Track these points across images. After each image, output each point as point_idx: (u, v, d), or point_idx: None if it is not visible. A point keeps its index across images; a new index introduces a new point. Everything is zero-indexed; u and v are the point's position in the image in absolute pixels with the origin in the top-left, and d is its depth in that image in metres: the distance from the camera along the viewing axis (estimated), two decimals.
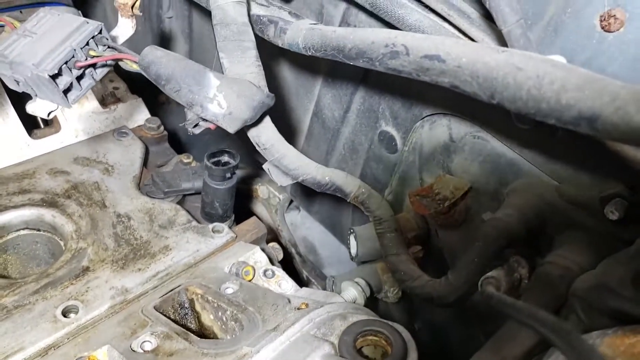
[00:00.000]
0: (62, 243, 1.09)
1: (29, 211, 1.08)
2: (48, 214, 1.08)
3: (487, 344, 0.67)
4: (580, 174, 0.76)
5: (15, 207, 1.07)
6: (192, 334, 0.87)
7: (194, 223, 1.13)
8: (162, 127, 1.35)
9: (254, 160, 1.62)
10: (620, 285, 0.60)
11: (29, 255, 1.12)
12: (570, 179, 0.77)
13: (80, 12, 1.27)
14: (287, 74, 1.17)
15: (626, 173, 0.70)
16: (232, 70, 0.76)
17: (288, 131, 1.14)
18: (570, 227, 0.77)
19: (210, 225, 1.12)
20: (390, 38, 0.63)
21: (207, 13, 1.36)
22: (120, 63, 0.80)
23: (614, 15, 0.66)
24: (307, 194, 1.42)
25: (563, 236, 0.77)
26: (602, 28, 0.67)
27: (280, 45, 0.80)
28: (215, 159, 1.11)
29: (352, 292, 1.01)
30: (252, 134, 0.81)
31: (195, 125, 0.77)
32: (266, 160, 0.86)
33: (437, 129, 0.92)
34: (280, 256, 1.24)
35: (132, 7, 0.90)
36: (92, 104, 1.31)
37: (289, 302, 0.90)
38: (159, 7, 1.39)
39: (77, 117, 1.27)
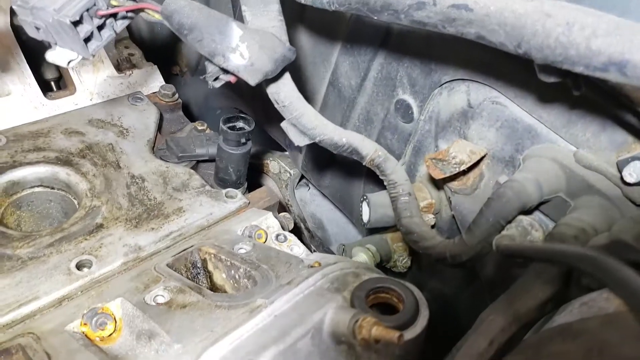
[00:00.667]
0: (75, 201, 1.10)
1: (44, 168, 1.09)
2: (62, 172, 1.09)
3: (500, 298, 0.67)
4: (598, 138, 0.76)
5: (30, 163, 1.08)
6: (205, 289, 0.87)
7: (208, 187, 1.14)
8: (176, 95, 1.36)
9: (266, 137, 1.62)
10: (637, 241, 0.60)
11: (42, 213, 1.13)
12: (588, 144, 0.77)
13: None
14: (304, 41, 1.16)
15: None
16: (254, 22, 0.76)
17: None
18: (587, 191, 0.77)
19: (224, 191, 1.13)
20: None
21: None
22: (141, 14, 0.80)
23: None
24: (318, 168, 1.42)
25: (579, 201, 0.77)
26: None
27: (303, 2, 0.80)
28: (231, 124, 1.11)
29: (363, 257, 1.02)
30: (272, 90, 0.81)
31: (216, 79, 0.77)
32: (283, 119, 0.86)
33: (456, 95, 0.92)
34: (291, 226, 1.24)
35: None
36: (108, 68, 1.31)
37: (302, 261, 0.90)
38: None
39: (93, 81, 1.28)
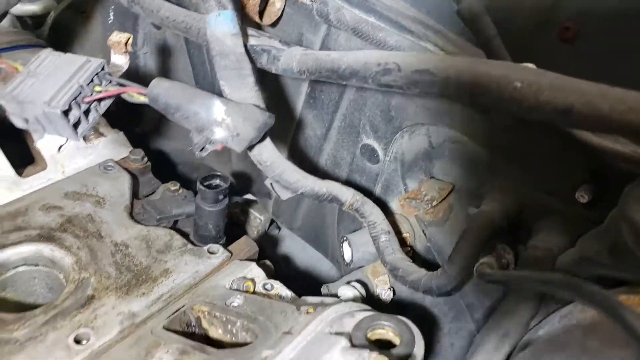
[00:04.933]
0: (61, 276, 1.11)
1: (27, 247, 1.09)
2: (46, 249, 1.10)
3: (488, 323, 0.75)
4: (551, 167, 0.87)
5: (13, 244, 1.09)
6: (207, 346, 0.91)
7: (190, 246, 1.17)
8: (145, 158, 1.39)
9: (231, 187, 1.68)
10: (599, 256, 0.70)
11: (26, 292, 1.13)
12: (542, 172, 0.88)
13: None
14: (270, 98, 1.24)
15: (589, 160, 0.81)
16: (233, 95, 0.83)
17: None
18: (547, 214, 0.87)
19: (206, 247, 1.17)
20: (382, 57, 0.72)
21: (181, 48, 1.43)
22: (124, 96, 0.86)
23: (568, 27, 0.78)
24: (289, 211, 1.49)
25: (541, 223, 0.87)
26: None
27: (274, 71, 0.88)
28: (207, 182, 1.16)
29: (349, 295, 1.08)
30: (254, 152, 0.88)
31: (202, 149, 0.83)
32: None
33: (417, 137, 1.01)
34: (272, 271, 1.29)
35: (126, 44, 0.95)
36: (69, 142, 1.33)
37: (296, 308, 0.96)
38: (134, 44, 1.44)
39: (62, 154, 1.29)
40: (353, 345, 0.80)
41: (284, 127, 1.24)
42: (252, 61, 0.89)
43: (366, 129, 1.09)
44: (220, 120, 0.77)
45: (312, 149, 1.22)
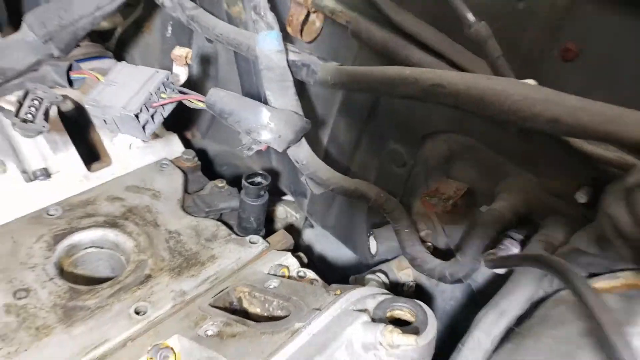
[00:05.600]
0: (123, 258, 1.27)
1: (95, 232, 1.27)
2: (111, 234, 1.27)
3: (488, 303, 0.86)
4: (555, 171, 0.98)
5: (84, 228, 1.26)
6: (247, 320, 1.05)
7: (234, 236, 1.32)
8: (196, 158, 1.55)
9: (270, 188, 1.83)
10: (588, 247, 0.81)
11: (92, 270, 1.30)
12: (548, 176, 0.99)
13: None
14: (308, 107, 1.39)
15: (589, 166, 0.92)
16: (276, 103, 0.97)
17: None
18: (551, 212, 0.98)
19: (247, 237, 1.32)
20: (403, 72, 0.85)
21: (230, 60, 1.59)
22: (185, 102, 1.01)
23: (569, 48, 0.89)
24: (323, 210, 1.62)
25: (546, 220, 0.98)
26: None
27: (312, 83, 1.01)
28: (250, 180, 1.31)
29: (374, 284, 1.21)
30: (292, 152, 1.02)
31: (249, 148, 0.98)
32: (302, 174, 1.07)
33: (439, 143, 1.13)
34: (306, 261, 1.43)
35: (186, 57, 1.11)
36: (136, 140, 1.50)
37: (326, 291, 1.09)
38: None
39: (124, 153, 1.47)
40: (373, 321, 0.93)
41: (320, 133, 1.38)
42: (293, 74, 1.03)
43: (394, 136, 1.22)
44: (266, 124, 0.91)
45: (344, 152, 1.36)
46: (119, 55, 1.68)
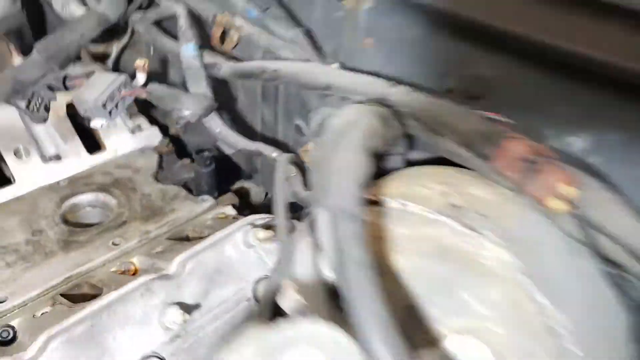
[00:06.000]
0: (108, 213, 1.78)
1: (90, 195, 1.78)
2: (101, 196, 1.78)
3: None
4: None
5: (83, 192, 1.78)
6: (187, 242, 1.53)
7: (191, 196, 1.81)
8: (170, 144, 2.06)
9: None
10: None
11: (86, 220, 1.79)
12: None
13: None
14: (241, 98, 1.87)
15: None
16: (192, 90, 1.46)
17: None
18: None
19: (200, 197, 1.80)
20: (259, 64, 1.32)
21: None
22: (136, 95, 1.51)
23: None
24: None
25: None
26: None
27: (219, 76, 1.50)
28: (200, 154, 1.80)
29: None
30: (208, 125, 1.50)
31: (177, 122, 1.46)
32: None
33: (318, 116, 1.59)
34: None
35: (144, 66, 1.61)
36: (125, 133, 2.02)
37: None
38: None
39: (116, 142, 1.99)
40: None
41: (251, 116, 1.87)
42: (207, 70, 1.52)
43: (297, 113, 1.68)
44: (183, 103, 1.40)
45: (270, 128, 1.83)
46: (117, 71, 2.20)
